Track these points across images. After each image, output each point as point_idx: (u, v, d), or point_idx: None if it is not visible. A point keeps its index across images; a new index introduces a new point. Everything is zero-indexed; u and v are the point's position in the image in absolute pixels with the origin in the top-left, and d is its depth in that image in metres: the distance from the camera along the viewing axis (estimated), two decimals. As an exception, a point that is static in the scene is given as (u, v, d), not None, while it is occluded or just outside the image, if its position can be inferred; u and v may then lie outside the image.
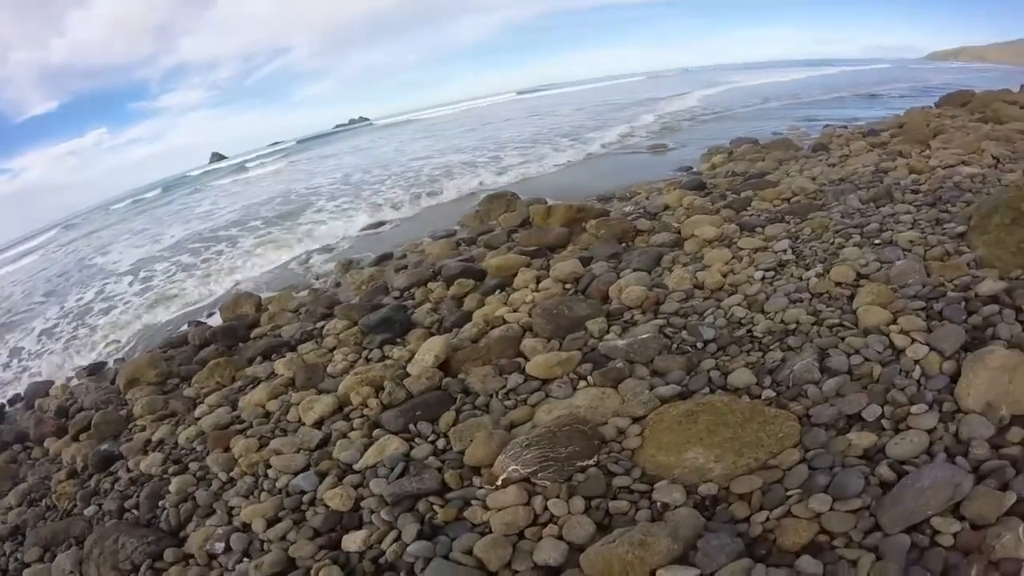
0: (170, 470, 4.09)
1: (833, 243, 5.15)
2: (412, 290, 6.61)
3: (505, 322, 4.98)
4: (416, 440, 3.58)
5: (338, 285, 8.27)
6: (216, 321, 7.72)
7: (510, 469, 2.92)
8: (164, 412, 5.05)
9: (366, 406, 4.06)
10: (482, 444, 3.20)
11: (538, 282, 5.79)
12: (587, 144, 16.04)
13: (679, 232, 6.35)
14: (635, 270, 5.50)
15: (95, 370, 7.26)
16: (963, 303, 3.67)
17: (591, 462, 3.01)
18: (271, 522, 3.23)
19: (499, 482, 2.94)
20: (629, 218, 7.23)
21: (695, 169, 11.05)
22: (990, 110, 12.29)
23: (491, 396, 3.88)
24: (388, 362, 4.71)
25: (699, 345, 4.03)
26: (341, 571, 2.77)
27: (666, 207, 7.98)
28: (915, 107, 16.98)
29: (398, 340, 5.23)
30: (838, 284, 4.34)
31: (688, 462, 2.84)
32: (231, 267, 10.87)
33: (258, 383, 5.02)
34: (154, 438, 4.61)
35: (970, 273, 4.13)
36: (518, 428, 3.46)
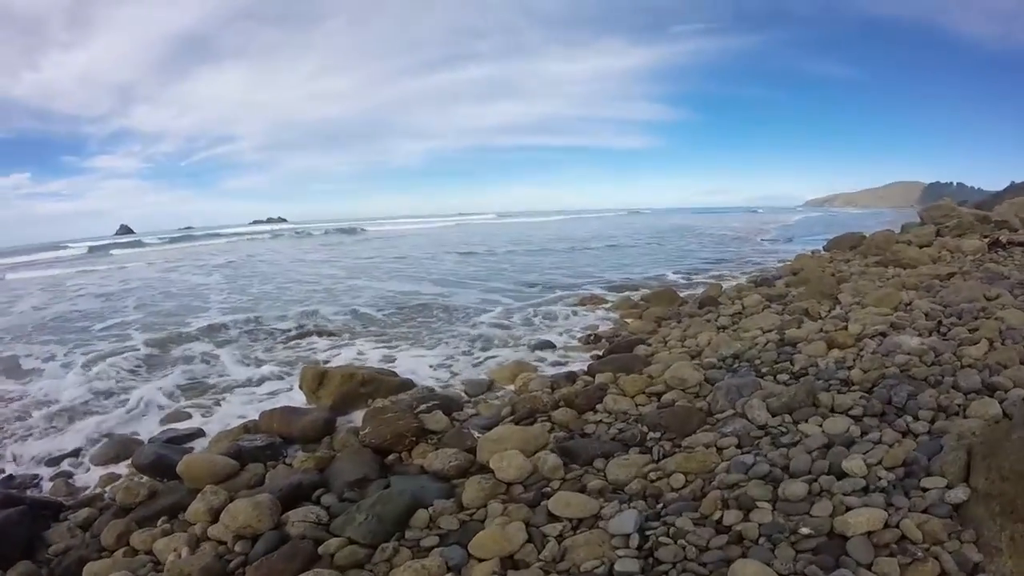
0: None
1: (721, 526, 2.72)
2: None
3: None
4: None
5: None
6: None
7: None
8: None
9: None
10: None
11: (214, 519, 3.27)
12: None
13: (474, 452, 3.84)
14: (350, 542, 2.94)
15: None
16: None
17: None
18: None
19: None
20: (419, 409, 4.61)
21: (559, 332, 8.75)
22: (889, 252, 11.13)
23: None
24: None
25: None
26: None
27: (490, 386, 5.74)
28: (803, 252, 16.25)
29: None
30: None
31: None
32: None
33: None
34: None
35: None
36: None
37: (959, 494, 2.60)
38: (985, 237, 11.93)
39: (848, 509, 2.61)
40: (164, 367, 7.36)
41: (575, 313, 9.59)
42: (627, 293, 11.06)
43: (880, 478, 2.80)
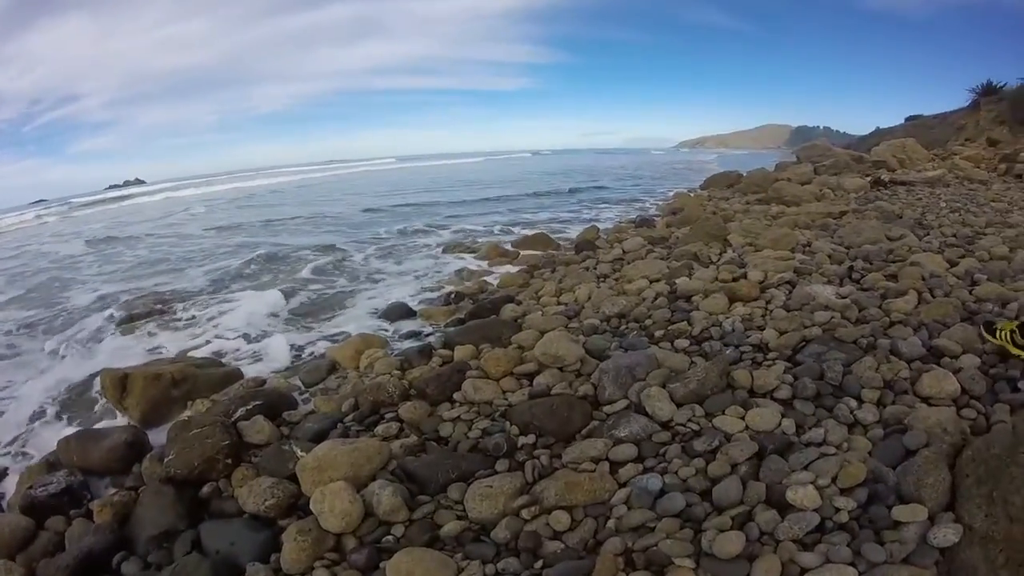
0: None
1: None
2: None
3: None
4: None
5: None
6: None
7: None
8: None
9: None
10: None
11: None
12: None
13: (296, 476, 2.75)
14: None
15: None
16: None
17: None
18: None
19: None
20: (237, 415, 3.45)
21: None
22: (770, 189, 10.84)
23: None
24: None
25: None
26: None
27: (332, 370, 4.60)
28: (680, 190, 16.06)
29: None
30: None
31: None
32: None
33: None
34: None
35: None
36: None
37: (948, 534, 1.83)
38: (866, 175, 12.03)
39: (804, 571, 1.76)
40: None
41: (444, 263, 8.50)
42: (487, 242, 9.73)
43: (838, 509, 1.98)
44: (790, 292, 4.19)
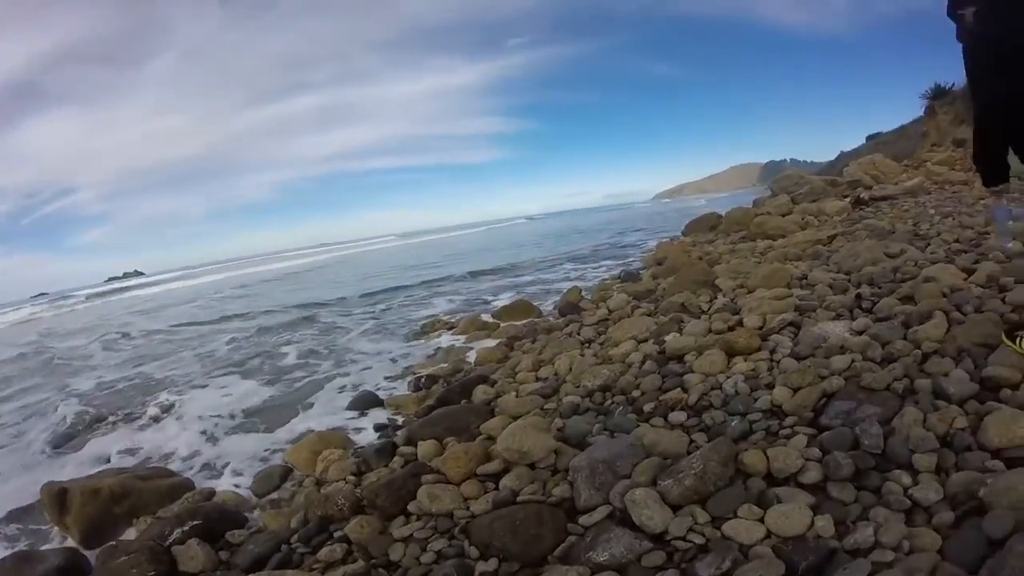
0: None
1: None
2: None
3: None
4: None
5: None
6: None
7: None
8: None
9: None
10: None
11: None
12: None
13: None
14: None
15: None
16: None
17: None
18: None
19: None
20: (172, 538, 2.92)
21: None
22: (752, 225, 10.38)
23: None
24: None
25: None
26: None
27: (286, 476, 4.10)
28: (663, 240, 15.63)
29: None
30: None
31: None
32: None
33: None
34: None
35: None
36: None
37: None
38: (844, 196, 11.65)
39: None
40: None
41: (421, 343, 7.88)
42: (464, 317, 9.04)
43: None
44: (796, 336, 3.58)
